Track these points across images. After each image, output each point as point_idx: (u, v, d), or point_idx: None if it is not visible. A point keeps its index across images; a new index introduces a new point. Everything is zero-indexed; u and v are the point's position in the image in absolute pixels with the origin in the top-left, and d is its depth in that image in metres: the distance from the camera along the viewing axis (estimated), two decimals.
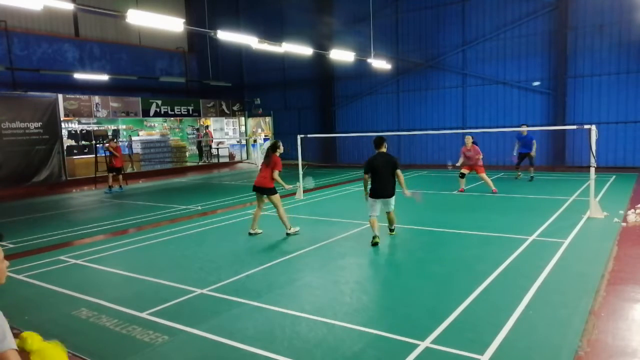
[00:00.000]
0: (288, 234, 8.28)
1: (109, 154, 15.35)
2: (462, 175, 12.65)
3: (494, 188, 12.18)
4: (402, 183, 7.61)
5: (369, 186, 7.66)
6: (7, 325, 2.02)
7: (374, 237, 7.44)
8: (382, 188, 7.44)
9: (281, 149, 8.54)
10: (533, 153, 14.15)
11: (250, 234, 8.45)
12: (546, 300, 4.94)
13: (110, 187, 15.31)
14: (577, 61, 16.98)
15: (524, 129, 13.95)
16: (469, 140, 12.36)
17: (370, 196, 7.55)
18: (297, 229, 8.41)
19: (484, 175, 12.40)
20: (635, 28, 15.79)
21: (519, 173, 14.88)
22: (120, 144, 16.44)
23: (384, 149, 7.60)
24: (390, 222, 7.99)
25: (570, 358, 3.77)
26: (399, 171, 7.49)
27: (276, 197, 8.33)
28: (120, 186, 15.76)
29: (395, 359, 3.86)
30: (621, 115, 16.48)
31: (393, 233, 8.11)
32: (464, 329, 4.34)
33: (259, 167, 8.79)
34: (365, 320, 4.68)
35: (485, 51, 18.68)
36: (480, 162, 12.37)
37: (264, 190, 8.35)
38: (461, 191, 12.54)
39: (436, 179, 15.22)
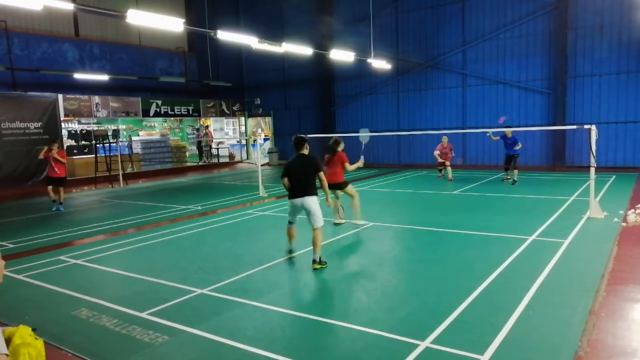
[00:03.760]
0: None
1: (49, 159, 11.94)
2: (441, 165, 15.35)
3: (450, 176, 14.98)
4: (325, 190, 6.55)
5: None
6: (0, 330, 2.04)
7: (288, 252, 6.65)
8: (299, 187, 6.40)
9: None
10: (517, 147, 13.63)
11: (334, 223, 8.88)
12: (546, 300, 4.93)
13: (54, 201, 12.00)
14: (577, 61, 16.98)
15: (509, 129, 13.68)
16: (445, 139, 15.12)
17: (288, 197, 6.60)
18: None
19: (449, 166, 15.08)
20: (635, 28, 15.78)
21: (508, 176, 14.16)
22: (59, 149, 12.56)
23: (304, 151, 6.48)
24: (314, 245, 6.32)
25: (570, 358, 3.77)
26: (321, 174, 6.40)
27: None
28: (61, 203, 12.10)
29: (395, 359, 3.86)
30: (621, 115, 16.48)
31: (316, 266, 6.24)
32: (464, 329, 4.34)
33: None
34: (365, 320, 4.68)
35: (485, 51, 18.68)
36: (450, 156, 15.17)
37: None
38: (441, 177, 15.46)
39: (436, 179, 15.19)
